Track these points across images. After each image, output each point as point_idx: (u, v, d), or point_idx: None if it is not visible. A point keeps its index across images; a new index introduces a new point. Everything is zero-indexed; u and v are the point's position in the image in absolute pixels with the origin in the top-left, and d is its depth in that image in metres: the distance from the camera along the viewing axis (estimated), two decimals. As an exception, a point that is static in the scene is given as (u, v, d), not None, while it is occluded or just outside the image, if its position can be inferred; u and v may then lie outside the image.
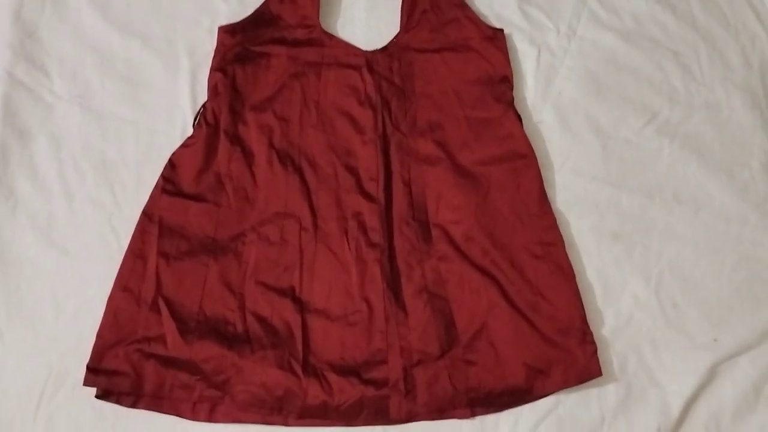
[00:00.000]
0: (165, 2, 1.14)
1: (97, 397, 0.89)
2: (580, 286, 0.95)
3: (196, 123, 1.03)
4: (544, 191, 1.00)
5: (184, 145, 1.01)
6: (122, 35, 1.11)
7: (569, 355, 0.91)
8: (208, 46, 1.09)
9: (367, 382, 0.90)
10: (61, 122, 1.05)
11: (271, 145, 1.02)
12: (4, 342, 0.93)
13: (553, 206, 1.00)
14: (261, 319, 0.93)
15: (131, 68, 1.10)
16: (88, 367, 0.89)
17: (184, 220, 0.97)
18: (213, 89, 1.04)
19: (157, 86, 1.09)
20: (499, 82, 1.07)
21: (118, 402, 0.90)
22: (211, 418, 0.91)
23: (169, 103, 1.07)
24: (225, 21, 1.11)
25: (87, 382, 0.89)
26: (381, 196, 0.99)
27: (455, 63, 1.08)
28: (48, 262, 0.97)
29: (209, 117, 1.02)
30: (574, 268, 0.96)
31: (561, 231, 0.98)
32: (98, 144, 1.04)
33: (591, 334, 0.92)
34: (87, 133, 1.05)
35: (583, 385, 0.91)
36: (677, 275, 1.00)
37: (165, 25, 1.13)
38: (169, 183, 0.98)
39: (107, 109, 1.07)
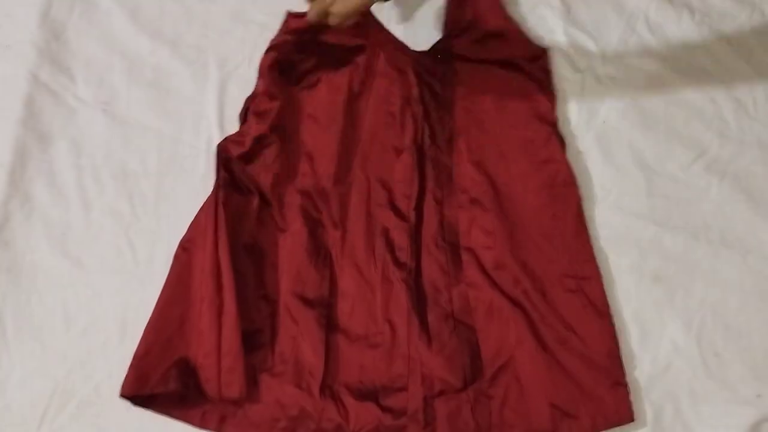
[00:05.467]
0: (198, 10, 1.12)
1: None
2: (615, 327, 0.90)
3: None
4: (584, 222, 0.96)
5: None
6: (152, 41, 1.09)
7: (599, 397, 0.86)
8: (238, 57, 1.08)
9: (385, 410, 0.86)
10: (84, 128, 1.03)
11: None
12: (11, 355, 0.90)
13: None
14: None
15: (159, 75, 1.07)
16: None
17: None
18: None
19: (185, 95, 1.06)
20: (542, 103, 1.02)
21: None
22: (220, 429, 0.86)
23: (195, 114, 1.05)
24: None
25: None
26: (412, 214, 0.96)
27: (498, 78, 1.03)
28: (61, 273, 0.94)
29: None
30: (610, 307, 0.91)
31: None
32: (120, 152, 1.02)
33: (624, 375, 0.88)
34: (109, 140, 1.03)
35: (614, 431, 0.86)
36: (720, 323, 0.94)
37: (196, 33, 1.10)
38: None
39: (132, 116, 1.04)
